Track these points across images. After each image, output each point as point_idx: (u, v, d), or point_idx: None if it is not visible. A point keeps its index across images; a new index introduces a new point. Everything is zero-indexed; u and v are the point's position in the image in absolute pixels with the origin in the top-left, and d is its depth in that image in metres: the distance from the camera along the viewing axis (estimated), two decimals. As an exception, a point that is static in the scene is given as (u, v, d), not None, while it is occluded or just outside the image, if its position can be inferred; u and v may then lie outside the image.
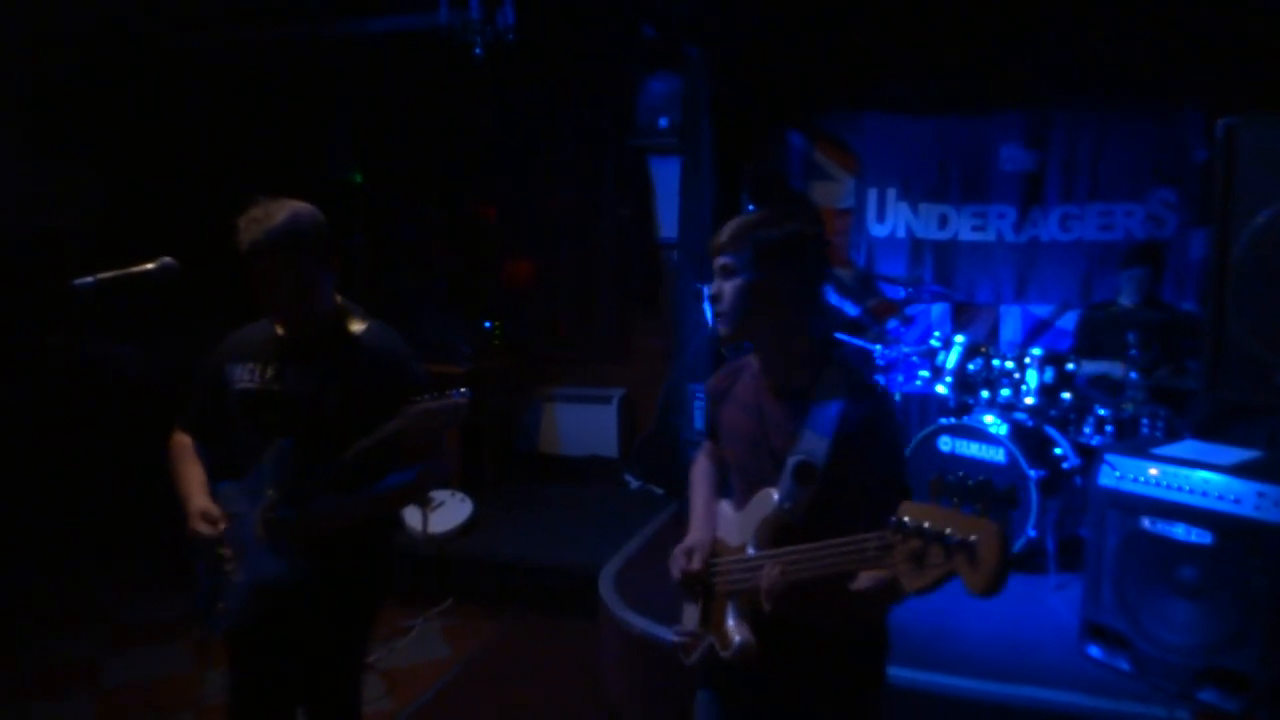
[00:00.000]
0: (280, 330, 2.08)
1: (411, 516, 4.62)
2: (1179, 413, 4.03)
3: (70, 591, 4.41)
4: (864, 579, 1.53)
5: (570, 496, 5.38)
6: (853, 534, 1.49)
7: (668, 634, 3.29)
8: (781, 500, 1.61)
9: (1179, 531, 2.85)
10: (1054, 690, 2.86)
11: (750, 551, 1.65)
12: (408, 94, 6.01)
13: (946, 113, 5.22)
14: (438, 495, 4.79)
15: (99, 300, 1.83)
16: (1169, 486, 2.89)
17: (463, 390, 1.89)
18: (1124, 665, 2.98)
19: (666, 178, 5.55)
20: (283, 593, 1.98)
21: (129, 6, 5.53)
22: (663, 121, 5.44)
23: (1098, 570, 3.08)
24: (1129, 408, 3.93)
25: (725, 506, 1.86)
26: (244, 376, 2.07)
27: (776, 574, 1.53)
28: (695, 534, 1.85)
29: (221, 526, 1.98)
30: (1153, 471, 2.94)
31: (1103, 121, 4.94)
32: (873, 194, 5.46)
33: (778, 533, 1.63)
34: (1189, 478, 2.85)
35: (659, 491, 5.28)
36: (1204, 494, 2.80)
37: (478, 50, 4.59)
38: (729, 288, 1.68)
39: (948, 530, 1.27)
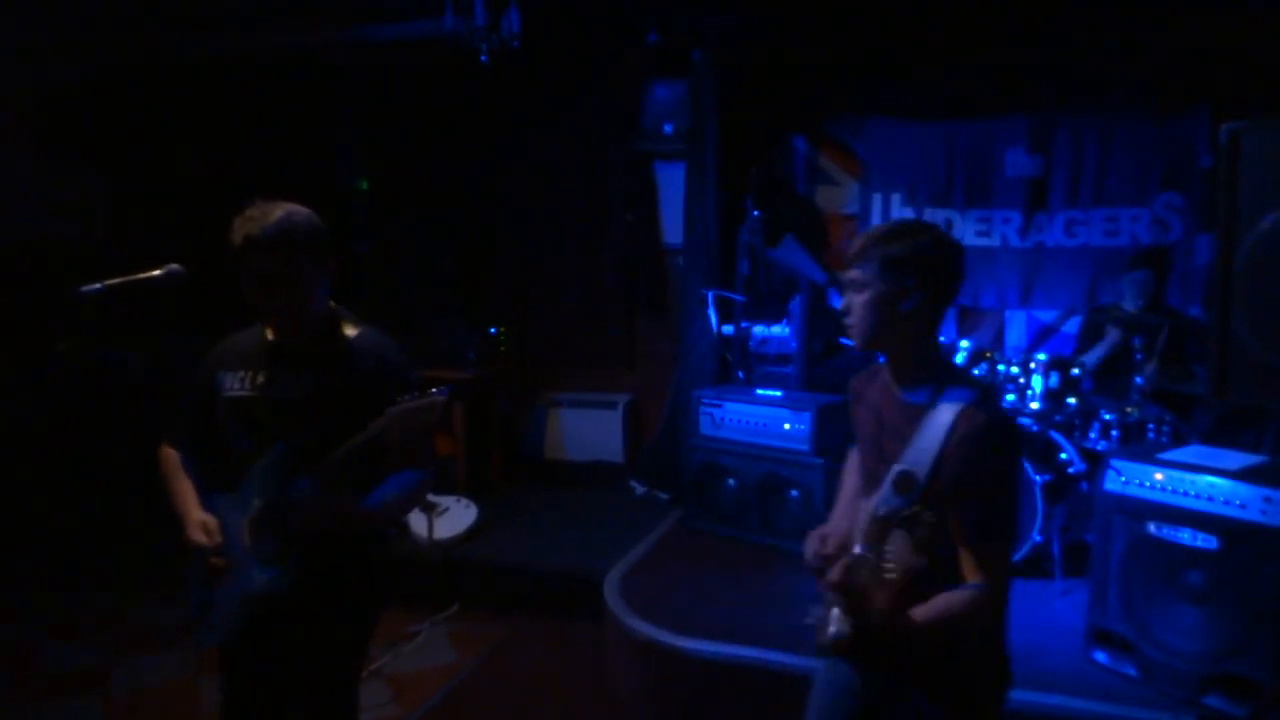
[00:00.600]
0: (271, 335, 2.05)
1: (417, 522, 4.63)
2: (1185, 418, 4.02)
3: (77, 597, 4.42)
4: (918, 610, 1.61)
5: (576, 502, 5.38)
6: (945, 546, 1.62)
7: (673, 639, 3.31)
8: (877, 506, 1.66)
9: (1185, 537, 2.84)
10: (1060, 696, 2.85)
11: (856, 550, 1.68)
12: (414, 100, 6.04)
13: (951, 118, 5.22)
14: (443, 501, 4.80)
15: (105, 307, 1.84)
16: (1175, 491, 2.88)
17: (442, 388, 1.87)
18: (1130, 671, 2.97)
19: (672, 183, 5.57)
20: (273, 603, 1.94)
21: (136, 15, 5.57)
22: (668, 127, 5.45)
23: (1104, 575, 3.07)
24: (1134, 412, 3.93)
25: (864, 502, 1.87)
26: (235, 384, 2.04)
27: (842, 571, 1.61)
28: (831, 522, 1.93)
29: (218, 538, 1.96)
30: (1158, 476, 2.93)
31: (1107, 126, 4.94)
32: (877, 199, 5.47)
33: (879, 536, 1.65)
34: (1195, 483, 2.84)
35: (664, 497, 5.27)
36: (1210, 499, 2.79)
37: (483, 57, 4.61)
38: (858, 301, 1.72)
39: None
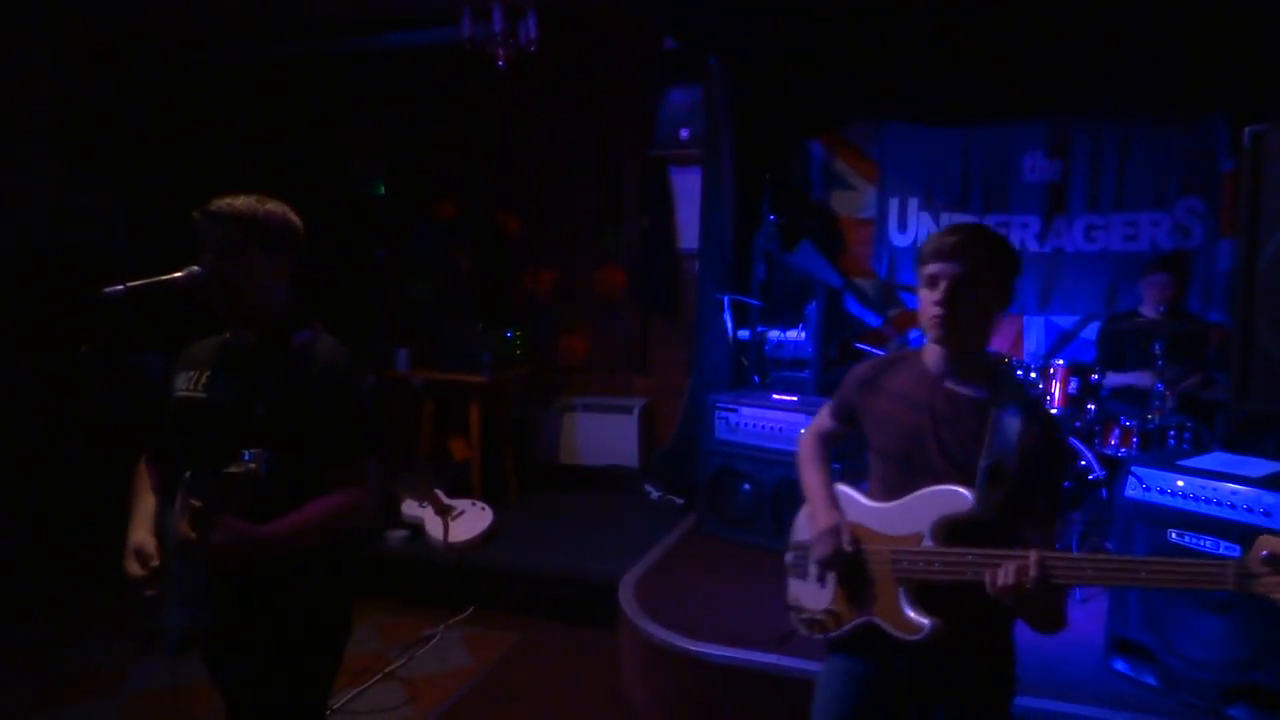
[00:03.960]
0: (227, 337, 1.99)
1: (433, 526, 4.65)
2: (1207, 424, 3.98)
3: (97, 599, 4.45)
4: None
5: (590, 506, 5.38)
6: (1019, 537, 1.68)
7: (688, 644, 3.30)
8: (977, 501, 1.71)
9: (1207, 544, 2.81)
10: (1079, 705, 2.83)
11: (928, 544, 1.75)
12: (430, 106, 6.08)
13: (968, 122, 5.20)
14: (458, 504, 4.82)
15: (128, 308, 1.85)
16: (1197, 499, 2.85)
17: (258, 453, 1.67)
18: (1151, 680, 2.94)
19: (687, 188, 5.57)
20: (207, 640, 1.85)
21: (154, 25, 5.63)
22: (683, 133, 5.47)
23: (1124, 583, 3.04)
24: (1155, 419, 3.89)
25: (852, 492, 1.95)
26: (182, 384, 1.97)
27: (1036, 568, 1.58)
28: (833, 515, 1.92)
29: (153, 565, 1.83)
30: (1180, 484, 2.90)
31: (1127, 130, 4.91)
32: (894, 203, 5.45)
33: (958, 530, 1.74)
34: (1217, 490, 2.81)
35: (679, 502, 5.27)
36: (1233, 506, 2.76)
37: (500, 63, 4.63)
38: (965, 298, 1.76)
39: None
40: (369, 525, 4.67)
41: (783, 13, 4.90)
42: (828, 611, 1.90)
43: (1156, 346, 3.88)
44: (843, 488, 1.99)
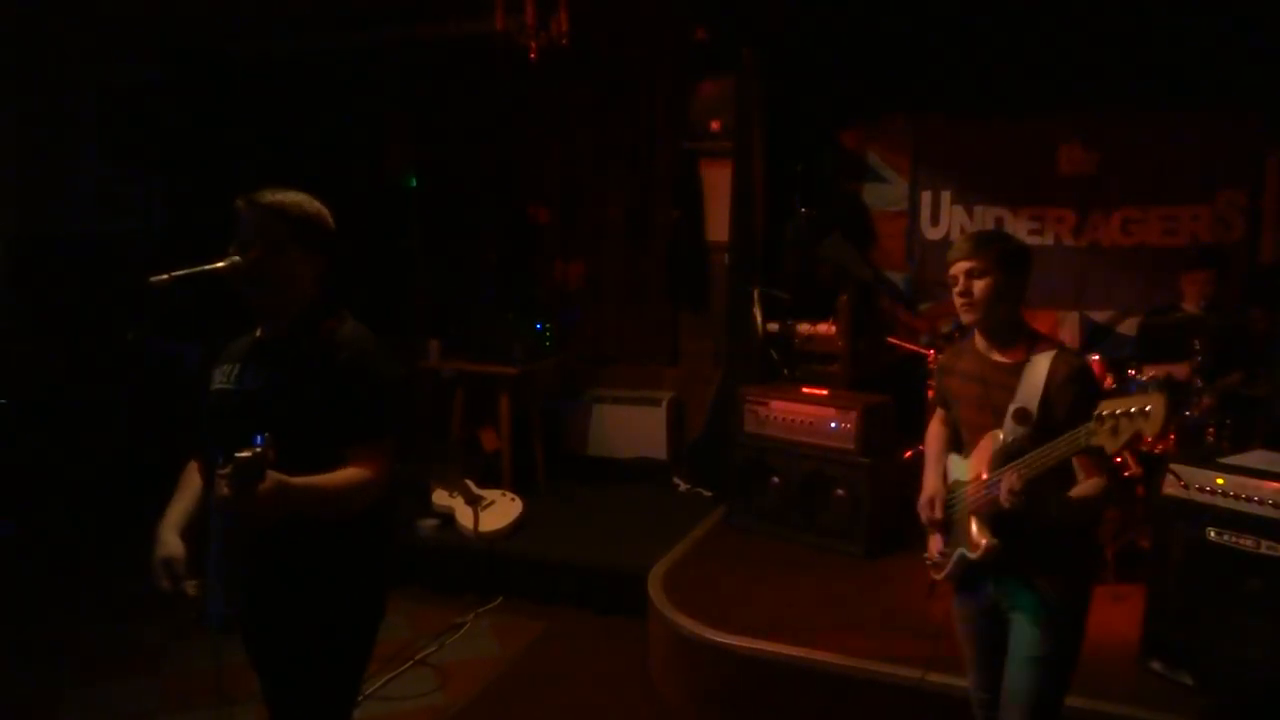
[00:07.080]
0: (259, 332, 2.03)
1: (463, 515, 4.69)
2: (1248, 421, 3.90)
3: (134, 581, 4.54)
4: (1079, 488, 2.07)
5: (619, 498, 5.40)
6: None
7: (716, 635, 3.31)
8: (1005, 438, 2.12)
9: (1248, 543, 2.76)
10: (1114, 704, 2.80)
11: (984, 477, 2.15)
12: (462, 98, 6.11)
13: (1002, 114, 5.12)
14: (488, 494, 4.86)
15: (170, 297, 1.88)
16: (1237, 497, 2.80)
17: (265, 438, 1.62)
18: (1187, 680, 2.89)
19: (717, 180, 5.55)
20: (247, 622, 1.91)
21: (194, 21, 5.72)
22: (714, 124, 5.44)
23: (1161, 582, 3.00)
24: (1194, 416, 3.82)
25: (954, 457, 2.37)
26: (218, 379, 2.00)
27: (1014, 477, 2.00)
28: (932, 486, 2.38)
29: (178, 573, 1.89)
30: (1220, 481, 2.85)
31: (1167, 122, 4.81)
32: (926, 197, 5.39)
33: (1004, 462, 2.11)
34: (1259, 488, 2.76)
35: (707, 494, 5.26)
36: (1275, 505, 2.71)
37: (532, 55, 4.64)
38: (978, 286, 2.16)
39: (1132, 407, 1.79)
40: (389, 510, 4.72)
41: (816, 3, 4.87)
42: (942, 553, 2.33)
43: (1197, 342, 3.81)
44: (951, 456, 2.38)
